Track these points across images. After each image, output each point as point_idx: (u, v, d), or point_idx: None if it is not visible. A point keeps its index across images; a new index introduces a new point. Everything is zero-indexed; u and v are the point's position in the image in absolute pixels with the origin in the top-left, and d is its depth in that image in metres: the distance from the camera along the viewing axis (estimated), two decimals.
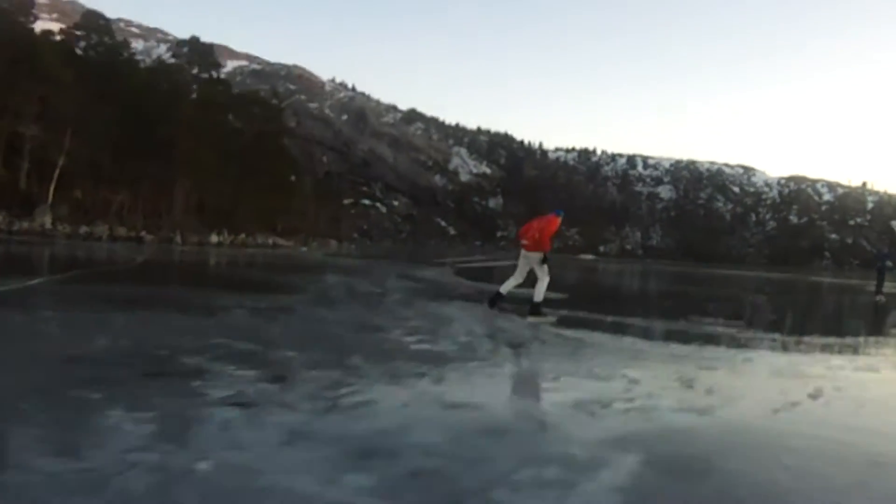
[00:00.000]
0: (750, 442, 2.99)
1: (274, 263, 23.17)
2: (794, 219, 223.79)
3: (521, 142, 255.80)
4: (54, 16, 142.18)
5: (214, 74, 55.47)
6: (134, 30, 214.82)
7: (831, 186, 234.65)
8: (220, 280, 15.11)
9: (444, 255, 47.92)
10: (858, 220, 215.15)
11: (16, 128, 37.37)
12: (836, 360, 5.76)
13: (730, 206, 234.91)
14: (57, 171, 38.65)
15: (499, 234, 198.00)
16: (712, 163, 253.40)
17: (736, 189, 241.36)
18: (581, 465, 2.44)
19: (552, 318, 7.65)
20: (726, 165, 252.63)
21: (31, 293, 7.83)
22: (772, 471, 2.53)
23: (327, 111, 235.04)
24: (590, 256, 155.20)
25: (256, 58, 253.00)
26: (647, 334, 7.10)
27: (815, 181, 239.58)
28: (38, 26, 45.85)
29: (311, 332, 5.96)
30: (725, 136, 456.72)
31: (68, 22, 56.40)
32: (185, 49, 53.57)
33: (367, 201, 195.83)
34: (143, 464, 2.19)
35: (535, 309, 7.71)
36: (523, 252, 8.08)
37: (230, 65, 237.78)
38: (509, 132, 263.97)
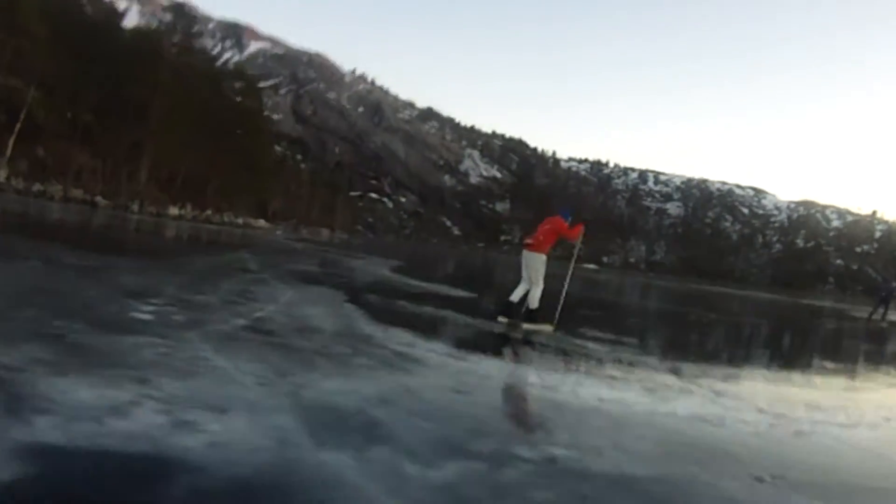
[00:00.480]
0: None
1: (208, 239, 23.68)
2: (800, 242, 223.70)
3: (535, 149, 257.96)
4: None
5: (199, 45, 55.10)
6: (163, 1, 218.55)
7: (841, 213, 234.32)
8: (100, 243, 15.23)
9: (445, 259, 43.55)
10: (865, 247, 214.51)
11: None
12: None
13: (737, 227, 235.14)
14: (18, 125, 37.90)
15: (503, 238, 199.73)
16: (724, 183, 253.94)
17: (745, 210, 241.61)
18: None
19: (549, 326, 7.33)
20: (737, 186, 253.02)
21: None
22: None
23: (344, 102, 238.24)
24: (592, 266, 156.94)
25: (280, 42, 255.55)
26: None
27: (824, 207, 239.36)
28: None
29: (60, 288, 6.01)
30: (738, 157, 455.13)
31: None
32: (170, 16, 54.10)
33: (374, 195, 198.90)
34: None
35: (530, 316, 7.37)
36: (524, 253, 7.61)
37: (253, 46, 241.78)
38: (523, 138, 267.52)
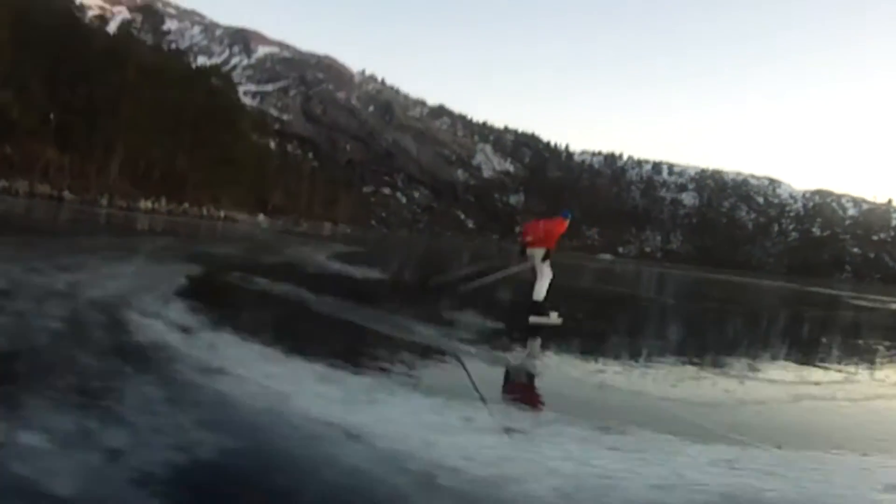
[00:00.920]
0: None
1: (151, 229, 23.66)
2: (816, 231, 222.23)
3: (547, 142, 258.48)
4: None
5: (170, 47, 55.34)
6: (171, 10, 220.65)
7: (856, 202, 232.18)
8: (30, 230, 15.16)
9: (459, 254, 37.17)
10: (882, 235, 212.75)
11: None
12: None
13: (753, 216, 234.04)
14: None
15: (517, 229, 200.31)
16: (738, 173, 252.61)
17: (760, 199, 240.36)
18: None
19: (556, 318, 7.29)
20: (752, 176, 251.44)
21: None
22: None
23: (354, 102, 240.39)
24: (608, 256, 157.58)
25: (289, 45, 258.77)
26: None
27: (840, 195, 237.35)
28: None
29: None
30: (753, 147, 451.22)
31: None
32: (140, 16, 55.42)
33: (387, 190, 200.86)
34: None
35: (536, 308, 7.30)
36: (528, 251, 7.77)
37: (261, 51, 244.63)
38: (536, 132, 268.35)
